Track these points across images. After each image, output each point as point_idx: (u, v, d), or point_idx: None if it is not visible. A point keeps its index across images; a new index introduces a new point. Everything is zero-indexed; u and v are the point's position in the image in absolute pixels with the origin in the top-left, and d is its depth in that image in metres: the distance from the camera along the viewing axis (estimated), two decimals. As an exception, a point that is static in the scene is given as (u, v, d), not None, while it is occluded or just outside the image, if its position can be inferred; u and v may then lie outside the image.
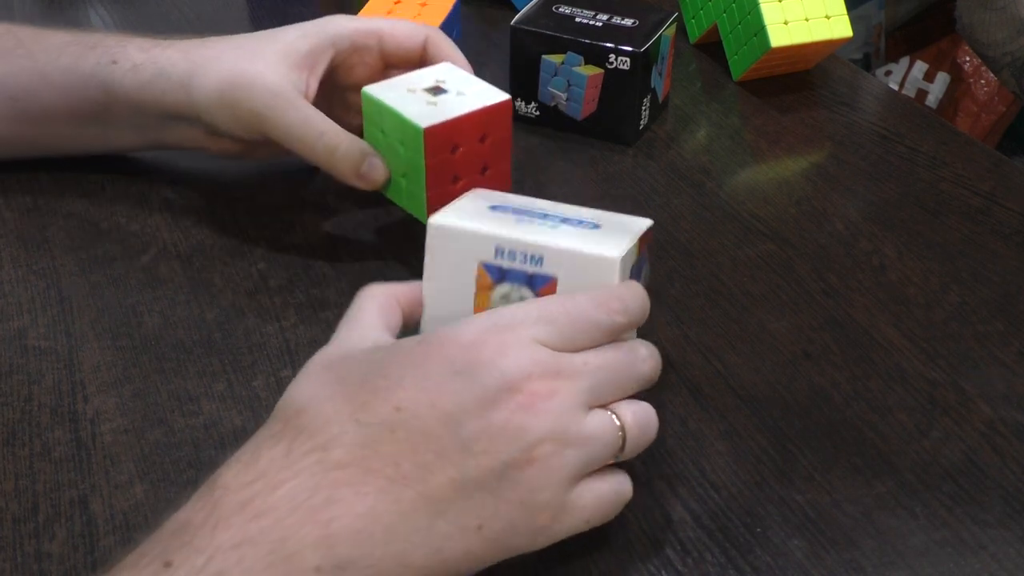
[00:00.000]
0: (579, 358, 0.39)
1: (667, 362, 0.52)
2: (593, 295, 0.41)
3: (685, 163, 0.68)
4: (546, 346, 0.39)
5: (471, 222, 0.44)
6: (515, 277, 0.43)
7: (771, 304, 0.56)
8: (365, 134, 0.56)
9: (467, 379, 0.38)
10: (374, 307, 0.43)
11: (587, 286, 0.42)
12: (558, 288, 0.43)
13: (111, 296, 0.56)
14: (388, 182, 0.56)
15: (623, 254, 0.42)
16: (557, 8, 0.70)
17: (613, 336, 0.41)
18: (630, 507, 0.44)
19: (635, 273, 0.45)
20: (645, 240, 0.47)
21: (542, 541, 0.39)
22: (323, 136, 0.54)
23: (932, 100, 1.74)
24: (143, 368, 0.51)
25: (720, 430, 0.48)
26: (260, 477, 0.36)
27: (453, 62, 0.58)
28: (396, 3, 0.71)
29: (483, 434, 0.37)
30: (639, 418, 0.40)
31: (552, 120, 0.70)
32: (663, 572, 0.42)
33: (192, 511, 0.36)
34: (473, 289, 0.44)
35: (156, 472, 0.46)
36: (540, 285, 0.43)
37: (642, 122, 0.70)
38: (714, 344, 0.53)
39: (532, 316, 0.40)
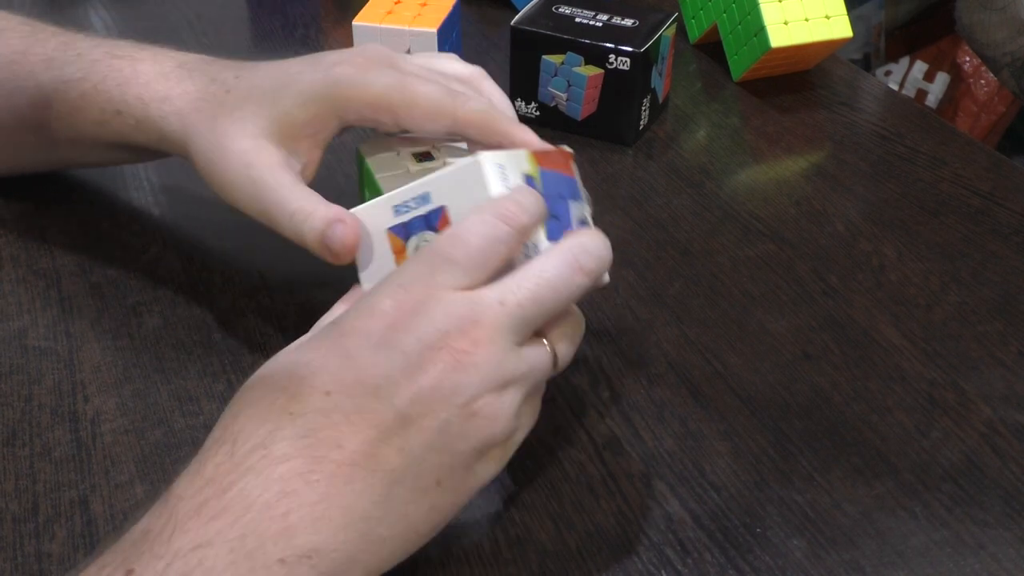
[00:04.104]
0: (495, 297, 0.38)
1: (667, 362, 0.52)
2: (482, 211, 0.40)
3: (685, 163, 0.68)
4: (457, 289, 0.38)
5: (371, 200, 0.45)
6: (416, 226, 0.43)
7: (771, 304, 0.56)
8: (358, 183, 0.56)
9: (388, 350, 0.38)
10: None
11: (475, 201, 0.41)
12: (450, 215, 0.42)
13: (111, 296, 0.56)
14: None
15: (490, 155, 0.42)
16: (557, 8, 0.70)
17: (523, 239, 0.40)
18: (630, 507, 0.44)
19: (566, 192, 0.45)
20: (563, 160, 0.46)
21: (497, 468, 0.40)
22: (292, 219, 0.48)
23: (932, 100, 1.74)
24: (143, 368, 0.51)
25: (720, 430, 0.48)
26: (209, 482, 0.36)
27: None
28: (396, 3, 0.71)
29: (417, 400, 0.37)
30: (568, 336, 0.41)
31: (552, 120, 0.70)
32: (663, 572, 0.42)
33: (150, 521, 0.36)
34: (392, 258, 0.44)
35: (156, 472, 0.46)
36: (436, 220, 0.43)
37: (642, 122, 0.70)
38: (714, 344, 0.53)
39: (429, 263, 0.39)
